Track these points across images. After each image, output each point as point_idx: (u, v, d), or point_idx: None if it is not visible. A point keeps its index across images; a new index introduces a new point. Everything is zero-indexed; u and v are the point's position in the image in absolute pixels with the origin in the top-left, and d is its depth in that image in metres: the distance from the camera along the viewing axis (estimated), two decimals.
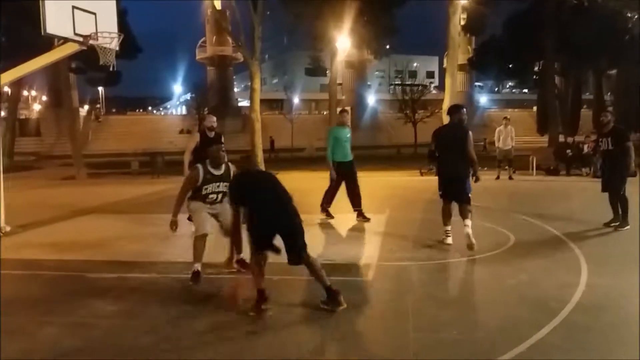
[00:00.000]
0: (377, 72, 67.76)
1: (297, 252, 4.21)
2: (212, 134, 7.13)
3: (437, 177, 6.67)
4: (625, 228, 7.17)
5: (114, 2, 8.77)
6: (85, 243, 7.12)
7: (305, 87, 60.28)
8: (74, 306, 4.54)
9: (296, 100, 52.98)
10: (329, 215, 8.32)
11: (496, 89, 75.70)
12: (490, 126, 37.51)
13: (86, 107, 52.79)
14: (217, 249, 5.47)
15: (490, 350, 3.44)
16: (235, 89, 60.61)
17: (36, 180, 18.64)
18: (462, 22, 30.99)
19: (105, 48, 8.41)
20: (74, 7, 7.82)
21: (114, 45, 8.52)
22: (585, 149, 16.13)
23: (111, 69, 9.29)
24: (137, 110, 72.09)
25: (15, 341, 3.78)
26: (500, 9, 32.51)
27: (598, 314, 4.08)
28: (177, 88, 71.35)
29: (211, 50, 52.17)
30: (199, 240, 5.12)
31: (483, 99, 68.09)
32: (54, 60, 8.61)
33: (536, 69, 35.89)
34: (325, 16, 23.49)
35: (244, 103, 53.58)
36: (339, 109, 11.41)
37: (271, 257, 4.33)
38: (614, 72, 39.69)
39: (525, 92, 66.89)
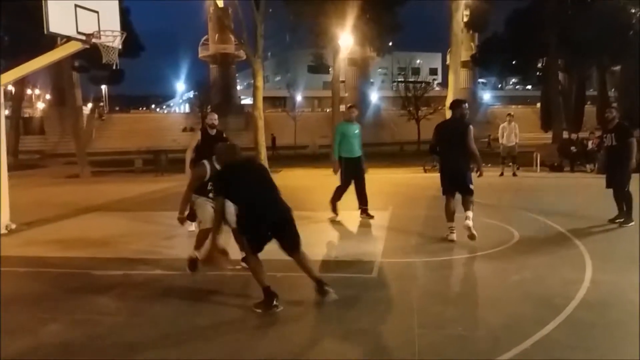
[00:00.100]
0: (380, 70, 67.77)
1: (292, 238, 4.23)
2: (213, 132, 7.08)
3: (439, 174, 6.67)
4: (630, 224, 7.14)
5: (117, 0, 8.78)
6: (90, 240, 7.14)
7: (307, 84, 60.37)
8: (79, 303, 4.57)
9: (299, 97, 53.14)
10: (334, 212, 8.26)
11: (499, 86, 75.56)
12: (494, 123, 37.53)
13: (90, 105, 53.05)
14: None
15: (494, 346, 3.44)
16: (238, 87, 60.70)
17: (40, 179, 18.71)
18: (465, 19, 30.84)
19: (108, 46, 8.41)
20: (76, 6, 7.82)
21: (117, 43, 8.53)
22: (590, 145, 16.07)
23: (114, 67, 9.29)
24: (141, 109, 72.29)
25: (20, 338, 3.79)
26: (503, 5, 32.50)
27: (603, 311, 4.06)
28: (180, 86, 71.51)
29: (214, 48, 52.24)
30: (204, 233, 5.15)
31: (486, 96, 67.99)
32: (57, 58, 8.62)
33: (539, 65, 35.80)
34: (327, 14, 23.44)
35: (246, 101, 53.61)
36: (346, 105, 11.34)
37: (274, 254, 4.33)
38: (617, 68, 39.50)
39: (528, 89, 66.77)
